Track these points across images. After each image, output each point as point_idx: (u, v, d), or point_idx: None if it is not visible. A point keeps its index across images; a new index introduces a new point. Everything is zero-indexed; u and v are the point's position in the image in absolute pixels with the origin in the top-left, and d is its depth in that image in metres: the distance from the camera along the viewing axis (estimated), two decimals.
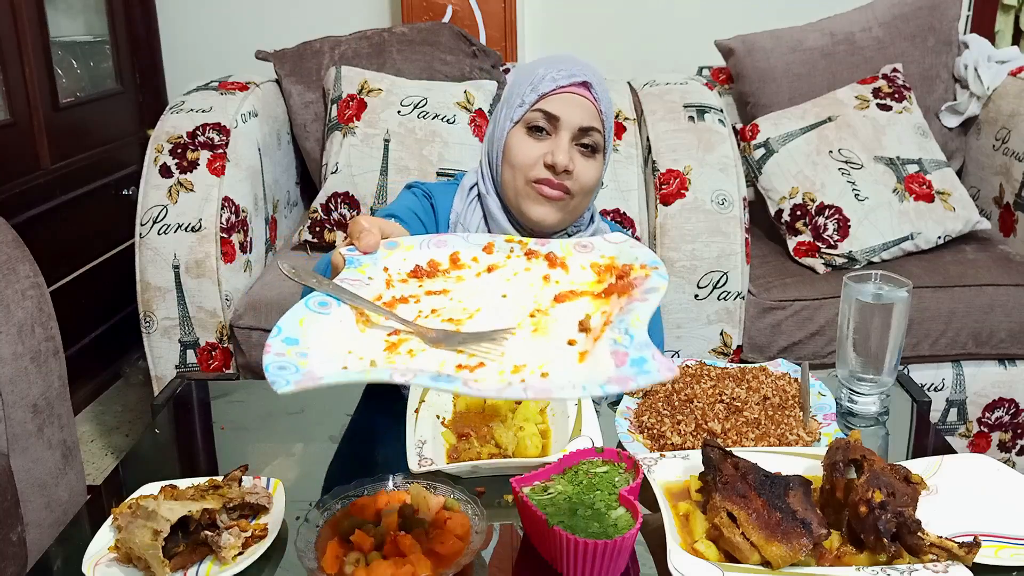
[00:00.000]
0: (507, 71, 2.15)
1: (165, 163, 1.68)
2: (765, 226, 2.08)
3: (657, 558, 0.78)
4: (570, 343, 0.64)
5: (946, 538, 0.74)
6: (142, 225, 1.64)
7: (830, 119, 2.01)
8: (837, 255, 1.88)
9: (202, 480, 0.86)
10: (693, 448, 0.93)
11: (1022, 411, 1.90)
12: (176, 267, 1.63)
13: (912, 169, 1.95)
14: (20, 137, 2.16)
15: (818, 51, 2.16)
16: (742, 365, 1.09)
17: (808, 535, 0.73)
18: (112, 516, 0.81)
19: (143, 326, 1.66)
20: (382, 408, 1.15)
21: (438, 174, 1.84)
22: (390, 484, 0.84)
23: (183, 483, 0.86)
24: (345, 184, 1.84)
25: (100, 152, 2.46)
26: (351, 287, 0.71)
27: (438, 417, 1.00)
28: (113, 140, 2.53)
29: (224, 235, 1.66)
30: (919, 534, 0.73)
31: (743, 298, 1.78)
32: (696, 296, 1.76)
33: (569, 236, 1.19)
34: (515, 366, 0.61)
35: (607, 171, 1.81)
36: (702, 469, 0.81)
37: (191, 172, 1.67)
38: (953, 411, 1.89)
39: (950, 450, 0.95)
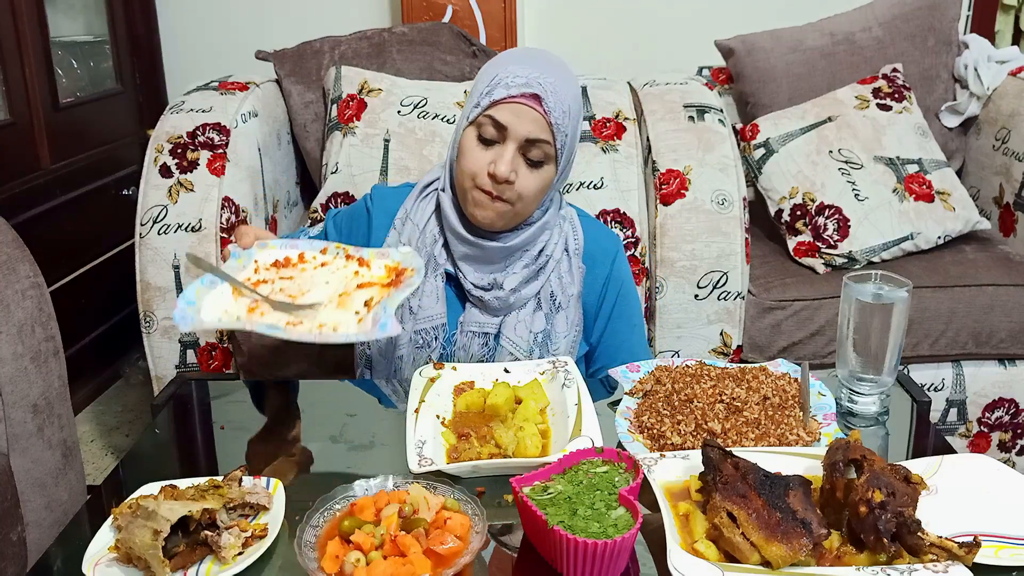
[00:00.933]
0: None
1: (165, 163, 1.67)
2: (765, 226, 2.08)
3: (657, 558, 0.78)
4: (356, 313, 0.99)
5: (946, 538, 0.74)
6: (142, 225, 1.64)
7: (830, 119, 2.01)
8: (837, 255, 1.88)
9: (202, 480, 0.86)
10: (693, 448, 0.93)
11: (1022, 411, 1.90)
12: (176, 267, 1.63)
13: (912, 169, 1.95)
14: (20, 137, 2.16)
15: (818, 51, 2.16)
16: (742, 365, 1.09)
17: (808, 535, 0.73)
18: (112, 516, 0.81)
19: (143, 326, 1.66)
20: (382, 408, 1.16)
21: None
22: (390, 484, 0.84)
23: (183, 483, 0.86)
24: (345, 184, 1.84)
25: (100, 152, 2.46)
26: (231, 271, 1.05)
27: (438, 417, 1.00)
28: (113, 140, 2.53)
29: (224, 235, 1.66)
30: (919, 534, 0.73)
31: (743, 298, 1.77)
32: (696, 296, 1.76)
33: (513, 232, 1.23)
34: (320, 324, 0.97)
35: (611, 169, 1.83)
36: (702, 469, 0.81)
37: (191, 172, 1.67)
38: (953, 411, 1.89)
39: (950, 450, 0.95)
